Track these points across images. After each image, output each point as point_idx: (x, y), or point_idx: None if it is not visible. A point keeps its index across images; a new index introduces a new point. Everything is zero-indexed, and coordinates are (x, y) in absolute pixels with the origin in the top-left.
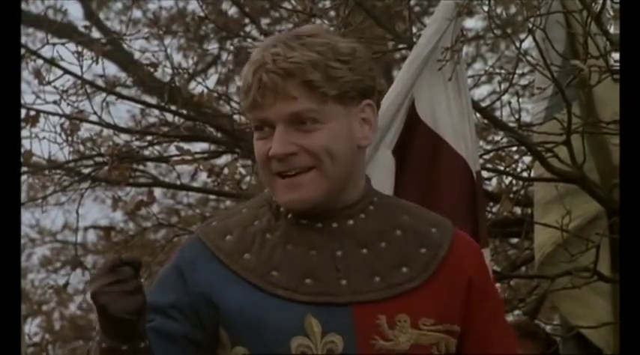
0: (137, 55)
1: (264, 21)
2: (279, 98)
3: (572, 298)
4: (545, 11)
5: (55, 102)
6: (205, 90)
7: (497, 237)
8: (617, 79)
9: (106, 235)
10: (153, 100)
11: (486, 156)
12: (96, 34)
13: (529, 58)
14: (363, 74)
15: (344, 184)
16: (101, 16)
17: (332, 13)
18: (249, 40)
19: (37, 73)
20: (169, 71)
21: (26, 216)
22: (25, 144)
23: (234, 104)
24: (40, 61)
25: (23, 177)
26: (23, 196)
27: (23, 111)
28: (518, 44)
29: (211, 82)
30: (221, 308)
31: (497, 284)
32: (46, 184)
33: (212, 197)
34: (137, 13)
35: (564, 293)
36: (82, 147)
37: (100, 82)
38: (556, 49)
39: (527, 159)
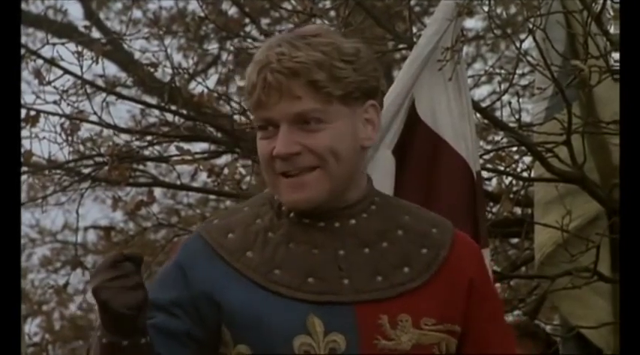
0: (137, 55)
1: (264, 21)
2: (283, 97)
3: (572, 298)
4: (545, 11)
5: (55, 102)
6: (205, 90)
7: (497, 237)
8: (617, 78)
9: (106, 235)
10: (153, 100)
11: (486, 156)
12: (96, 34)
13: (529, 58)
14: (367, 74)
15: (347, 184)
16: (101, 16)
17: (332, 13)
18: (249, 40)
19: (37, 73)
20: (169, 71)
21: (26, 216)
22: (25, 144)
23: (234, 104)
24: (40, 61)
25: (23, 177)
26: (23, 196)
27: (23, 111)
28: (518, 44)
29: (211, 82)
30: (223, 307)
31: (497, 285)
32: (46, 184)
33: (212, 197)
34: (137, 13)
35: (564, 293)
36: (82, 147)
37: (100, 82)
38: (556, 49)
39: (528, 159)
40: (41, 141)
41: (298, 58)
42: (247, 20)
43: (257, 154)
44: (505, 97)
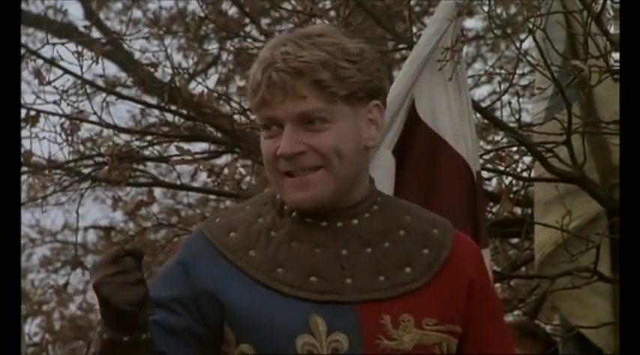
0: (137, 55)
1: (264, 21)
2: (288, 97)
3: (573, 298)
4: (545, 11)
5: (55, 102)
6: (205, 90)
7: (497, 237)
8: (617, 78)
9: (106, 235)
10: (153, 100)
11: (486, 156)
12: (96, 34)
13: (529, 58)
14: (371, 75)
15: (351, 184)
16: (101, 16)
17: (332, 14)
18: (249, 40)
19: (37, 73)
20: (169, 71)
21: (26, 216)
22: (25, 144)
23: (234, 104)
24: (40, 61)
25: (23, 177)
26: (23, 196)
27: (23, 111)
28: (518, 44)
29: (211, 82)
30: (226, 306)
31: (497, 285)
32: (46, 184)
33: (212, 197)
34: (137, 13)
35: (564, 293)
36: (82, 147)
37: (100, 82)
38: (556, 49)
39: (528, 159)
40: (41, 141)
41: (303, 58)
42: (247, 20)
43: (257, 154)
44: (505, 97)
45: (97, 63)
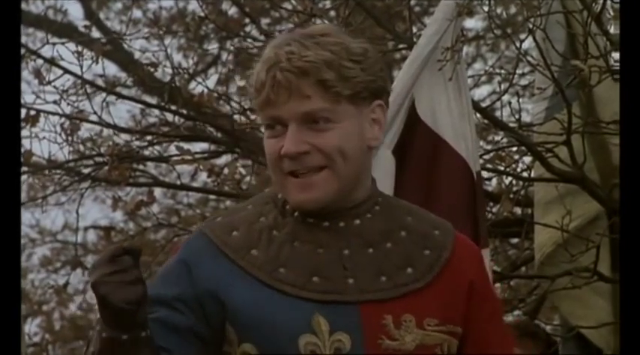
0: (137, 55)
1: (264, 21)
2: (292, 96)
3: (573, 298)
4: (545, 11)
5: (55, 102)
6: (205, 90)
7: (497, 237)
8: (617, 78)
9: (106, 235)
10: (153, 100)
11: (486, 156)
12: (96, 34)
13: (529, 58)
14: (374, 74)
15: (354, 184)
16: (101, 16)
17: (332, 13)
18: (249, 40)
19: (37, 73)
20: (169, 71)
21: (26, 216)
22: (25, 144)
23: (234, 104)
24: (40, 61)
25: (23, 177)
26: (23, 196)
27: (23, 111)
28: (518, 44)
29: (211, 82)
30: (228, 305)
31: (497, 285)
32: (46, 184)
33: (212, 197)
34: (137, 13)
35: (564, 293)
36: (82, 147)
37: (100, 82)
38: (556, 49)
39: (528, 159)
40: (41, 141)
41: (308, 57)
42: (247, 20)
43: (257, 154)
44: (505, 97)
45: (97, 63)
